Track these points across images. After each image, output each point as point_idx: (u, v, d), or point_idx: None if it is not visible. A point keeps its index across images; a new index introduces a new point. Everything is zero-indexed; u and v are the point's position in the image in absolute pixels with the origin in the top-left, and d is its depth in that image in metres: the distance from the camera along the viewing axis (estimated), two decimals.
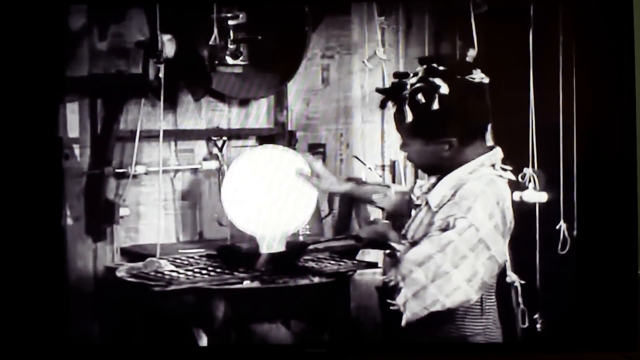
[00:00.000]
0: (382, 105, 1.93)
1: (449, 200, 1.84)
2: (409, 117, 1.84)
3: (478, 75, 1.88)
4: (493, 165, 1.88)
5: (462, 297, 1.80)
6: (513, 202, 1.89)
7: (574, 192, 2.06)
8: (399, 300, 1.81)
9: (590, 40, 2.04)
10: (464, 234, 1.79)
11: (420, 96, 1.83)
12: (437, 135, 1.86)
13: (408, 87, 1.85)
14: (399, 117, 1.87)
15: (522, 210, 1.97)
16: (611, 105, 2.04)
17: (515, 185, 2.11)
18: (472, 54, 1.94)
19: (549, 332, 2.10)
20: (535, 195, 2.13)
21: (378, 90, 1.96)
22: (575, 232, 2.07)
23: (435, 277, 1.79)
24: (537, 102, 2.12)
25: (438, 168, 1.90)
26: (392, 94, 1.89)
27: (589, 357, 2.06)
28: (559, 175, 2.09)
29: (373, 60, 2.30)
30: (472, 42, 2.02)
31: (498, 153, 1.89)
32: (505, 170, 1.89)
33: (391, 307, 1.82)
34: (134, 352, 2.07)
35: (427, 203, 1.89)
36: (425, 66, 1.87)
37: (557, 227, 2.11)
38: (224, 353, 2.07)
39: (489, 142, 1.93)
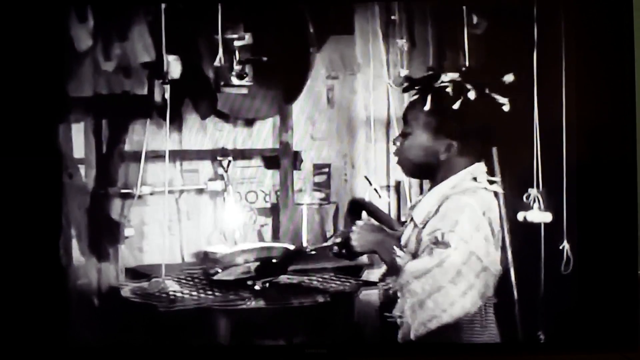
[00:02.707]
0: (405, 90, 1.96)
1: (434, 215, 1.85)
2: (427, 106, 1.87)
3: (503, 99, 1.91)
4: (475, 179, 1.89)
5: (459, 311, 1.80)
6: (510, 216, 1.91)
7: (573, 192, 2.06)
8: (396, 311, 1.81)
9: (590, 47, 2.04)
10: (458, 248, 1.80)
11: (449, 89, 1.86)
12: (442, 132, 1.88)
13: (440, 81, 1.89)
14: (418, 103, 1.90)
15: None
16: (611, 108, 2.04)
17: (520, 205, 2.12)
18: (509, 78, 1.96)
19: (549, 332, 2.09)
20: (540, 216, 2.13)
21: (406, 78, 1.99)
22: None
23: (432, 292, 1.79)
24: (541, 118, 2.13)
25: (427, 171, 1.92)
26: (422, 82, 1.92)
27: (589, 358, 2.05)
28: (562, 175, 2.09)
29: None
30: (512, 67, 2.03)
31: (480, 167, 1.91)
32: (492, 182, 1.90)
33: (388, 319, 1.82)
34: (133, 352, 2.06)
35: (412, 219, 1.91)
36: (464, 69, 1.91)
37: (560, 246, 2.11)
38: (224, 353, 2.07)
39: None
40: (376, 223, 2.02)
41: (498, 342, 1.93)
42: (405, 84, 1.96)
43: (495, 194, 1.90)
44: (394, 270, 1.86)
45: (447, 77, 1.90)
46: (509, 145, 2.11)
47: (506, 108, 1.90)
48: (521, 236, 2.10)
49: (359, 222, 1.98)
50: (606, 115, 2.05)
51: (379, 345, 1.99)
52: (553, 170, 2.10)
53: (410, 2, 2.30)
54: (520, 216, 2.13)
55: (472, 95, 1.86)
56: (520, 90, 2.04)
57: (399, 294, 1.82)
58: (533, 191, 2.12)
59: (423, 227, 1.86)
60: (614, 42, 2.04)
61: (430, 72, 1.94)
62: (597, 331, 2.04)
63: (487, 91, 1.90)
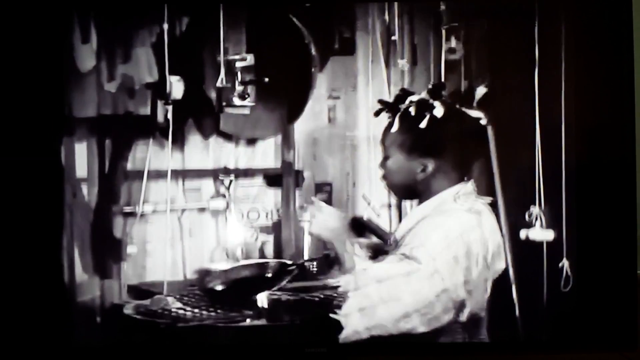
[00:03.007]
0: (376, 114, 1.97)
1: (409, 233, 1.86)
2: (395, 127, 1.88)
3: (477, 114, 1.90)
4: (456, 200, 1.89)
5: (408, 326, 1.79)
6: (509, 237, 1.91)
7: (572, 193, 2.06)
8: (343, 311, 1.81)
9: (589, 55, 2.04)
10: (428, 265, 1.79)
11: (412, 109, 1.87)
12: (415, 152, 1.88)
13: (407, 101, 1.90)
14: (388, 127, 1.91)
15: None
16: (611, 116, 2.04)
17: (521, 223, 2.12)
18: (481, 91, 1.96)
19: (548, 332, 2.09)
20: (542, 234, 2.13)
21: (379, 101, 1.99)
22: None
23: (387, 299, 1.79)
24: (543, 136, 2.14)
25: (409, 191, 1.92)
26: (390, 105, 1.93)
27: (588, 358, 2.04)
28: (560, 175, 2.09)
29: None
30: (485, 80, 2.03)
31: (464, 188, 1.90)
32: (485, 202, 1.89)
33: (331, 315, 1.82)
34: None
35: (395, 239, 1.91)
36: (431, 86, 1.91)
37: (560, 264, 2.10)
38: (224, 352, 2.07)
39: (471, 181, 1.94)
40: (339, 212, 2.02)
41: (498, 342, 1.92)
42: (377, 108, 1.97)
43: (485, 213, 1.90)
44: (345, 267, 1.85)
45: (414, 97, 1.90)
46: (507, 161, 2.12)
47: (483, 122, 1.90)
48: (521, 240, 2.10)
49: (322, 205, 1.97)
50: (606, 119, 2.05)
51: (378, 345, 1.99)
52: (552, 171, 2.10)
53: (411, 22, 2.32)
54: (522, 234, 2.14)
55: (438, 112, 1.86)
56: (517, 104, 2.05)
57: (349, 294, 1.81)
58: (535, 209, 2.13)
59: (400, 244, 1.87)
60: (613, 45, 2.04)
61: (399, 93, 1.94)
62: (596, 331, 2.04)
63: (457, 106, 1.89)
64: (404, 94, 1.94)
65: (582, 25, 2.04)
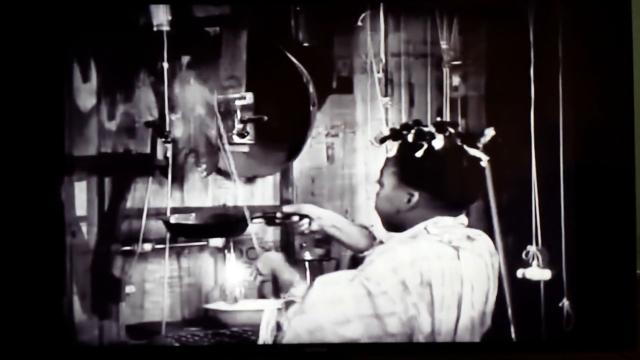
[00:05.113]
0: (381, 141, 1.97)
1: None
2: (391, 153, 1.88)
3: (477, 153, 1.90)
4: (427, 228, 1.88)
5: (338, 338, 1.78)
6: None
7: (572, 193, 2.06)
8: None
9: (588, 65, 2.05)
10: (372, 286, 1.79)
11: (410, 137, 1.87)
12: (404, 181, 1.88)
13: (410, 131, 1.90)
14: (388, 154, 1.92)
15: None
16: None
17: (519, 262, 2.12)
18: (489, 132, 1.96)
19: (547, 332, 2.08)
20: (539, 273, 2.13)
21: (390, 129, 2.00)
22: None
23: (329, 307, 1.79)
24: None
25: (394, 222, 1.91)
26: (396, 132, 1.93)
27: (588, 357, 2.04)
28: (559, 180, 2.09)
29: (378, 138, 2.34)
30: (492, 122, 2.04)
31: (441, 220, 1.88)
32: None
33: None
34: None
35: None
36: (438, 119, 1.91)
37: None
38: (223, 352, 2.06)
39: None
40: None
41: (496, 342, 1.91)
42: (385, 135, 1.98)
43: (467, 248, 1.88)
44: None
45: (422, 127, 1.90)
46: (505, 201, 2.13)
47: (483, 164, 1.90)
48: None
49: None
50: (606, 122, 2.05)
51: (378, 345, 1.96)
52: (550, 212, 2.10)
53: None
54: (519, 273, 2.13)
55: (437, 144, 1.85)
56: (518, 148, 2.06)
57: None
58: (532, 248, 2.13)
59: None
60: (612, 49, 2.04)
61: (408, 122, 1.94)
62: (595, 331, 2.03)
63: (459, 143, 1.89)
64: (413, 123, 1.93)
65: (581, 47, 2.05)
